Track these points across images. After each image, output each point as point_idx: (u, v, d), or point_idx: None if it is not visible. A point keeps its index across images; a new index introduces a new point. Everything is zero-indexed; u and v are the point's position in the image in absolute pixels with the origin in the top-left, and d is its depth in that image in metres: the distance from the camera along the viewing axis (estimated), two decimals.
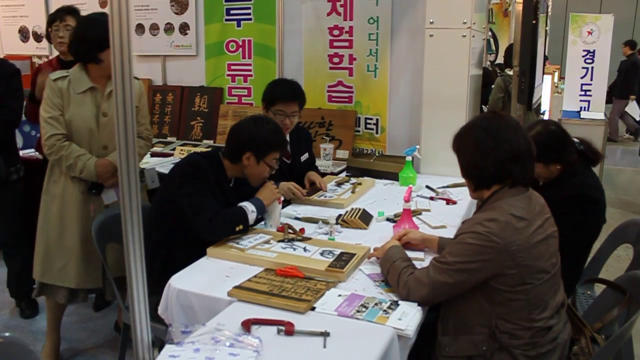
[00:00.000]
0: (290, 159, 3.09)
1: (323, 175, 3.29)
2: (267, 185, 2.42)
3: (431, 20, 3.35)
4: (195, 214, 2.20)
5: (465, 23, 3.28)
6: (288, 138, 3.06)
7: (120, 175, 1.33)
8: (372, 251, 2.15)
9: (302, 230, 2.39)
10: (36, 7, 5.12)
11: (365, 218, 2.55)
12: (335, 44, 3.99)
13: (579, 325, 1.91)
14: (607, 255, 2.62)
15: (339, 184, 3.14)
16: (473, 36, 3.32)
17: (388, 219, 2.60)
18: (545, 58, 11.39)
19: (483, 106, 4.91)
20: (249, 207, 2.30)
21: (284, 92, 2.93)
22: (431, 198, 2.95)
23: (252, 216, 2.30)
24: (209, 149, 2.65)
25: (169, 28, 4.58)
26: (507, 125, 1.78)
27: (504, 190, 1.75)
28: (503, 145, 1.74)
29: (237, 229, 2.24)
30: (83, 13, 4.83)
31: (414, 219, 2.46)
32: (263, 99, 2.98)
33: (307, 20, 4.06)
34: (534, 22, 3.48)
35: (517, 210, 1.69)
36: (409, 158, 3.20)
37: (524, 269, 1.65)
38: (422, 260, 2.07)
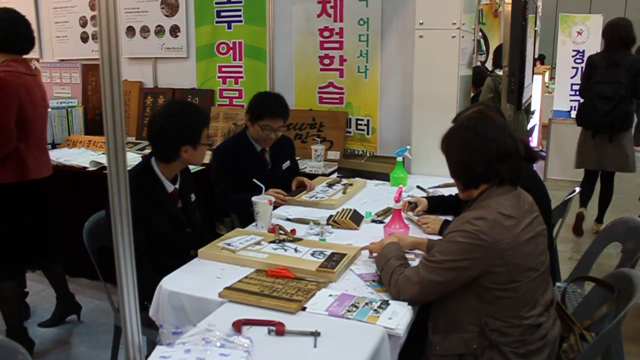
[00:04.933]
0: (269, 166, 3.09)
1: (313, 177, 3.30)
2: None
3: (421, 21, 3.36)
4: None
5: (454, 24, 3.29)
6: (267, 148, 3.07)
7: (109, 178, 1.33)
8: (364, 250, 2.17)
9: (293, 231, 2.39)
10: (25, 10, 5.05)
11: (356, 218, 2.56)
12: (326, 45, 4.01)
13: (569, 322, 1.92)
14: (597, 253, 2.64)
15: (330, 185, 3.14)
16: (462, 37, 3.34)
17: (373, 221, 2.61)
18: (542, 57, 11.45)
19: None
20: None
21: (271, 107, 2.93)
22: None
23: None
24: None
25: (159, 30, 4.58)
26: (493, 125, 1.80)
27: (492, 189, 1.76)
28: (490, 145, 1.75)
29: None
30: (74, 15, 4.89)
31: (404, 219, 2.47)
32: (248, 112, 2.98)
33: (297, 22, 4.07)
34: (522, 22, 3.50)
35: (505, 209, 1.70)
36: (399, 159, 3.22)
37: (513, 267, 1.66)
38: (412, 260, 2.08)
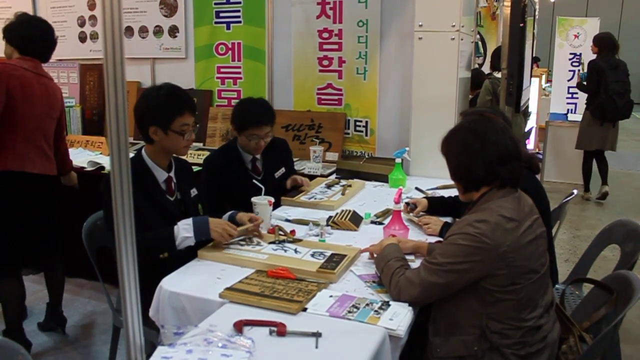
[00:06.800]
0: (261, 175, 2.96)
1: (311, 178, 3.29)
2: (220, 222, 2.21)
3: (420, 23, 3.37)
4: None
5: (453, 26, 3.30)
6: (259, 155, 2.95)
7: (112, 178, 1.33)
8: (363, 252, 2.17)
9: (292, 232, 2.39)
10: (23, 9, 5.05)
11: (355, 220, 2.56)
12: (325, 46, 4.01)
13: (568, 324, 1.93)
14: (595, 255, 2.66)
15: (329, 186, 3.15)
16: (462, 39, 3.34)
17: (372, 222, 2.61)
18: (537, 59, 11.54)
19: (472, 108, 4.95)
20: (184, 232, 2.13)
21: (254, 116, 2.81)
22: None
23: (185, 241, 2.13)
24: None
25: (158, 31, 4.57)
26: (494, 127, 1.80)
27: (493, 192, 1.77)
28: (490, 147, 1.76)
29: (162, 256, 2.11)
30: (72, 15, 4.89)
31: (404, 220, 2.47)
32: (232, 122, 2.87)
33: (296, 23, 4.07)
34: (521, 25, 3.52)
35: (506, 212, 1.71)
36: (398, 160, 3.22)
37: (514, 270, 1.67)
38: (412, 261, 2.08)
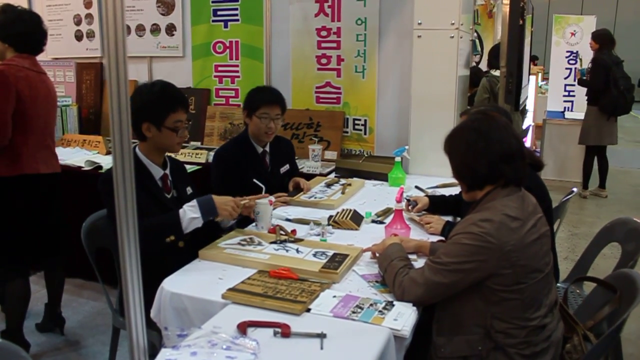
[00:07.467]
0: (269, 169, 3.02)
1: (310, 177, 3.28)
2: (227, 200, 2.22)
3: (419, 21, 3.36)
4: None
5: (453, 24, 3.29)
6: (268, 148, 3.01)
7: (115, 178, 1.31)
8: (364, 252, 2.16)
9: (293, 231, 2.38)
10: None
11: (356, 219, 2.55)
12: (323, 44, 3.99)
13: (572, 323, 1.92)
14: (596, 253, 2.66)
15: (328, 185, 3.13)
16: (461, 37, 3.33)
17: (373, 221, 2.60)
18: (535, 58, 11.55)
19: (469, 107, 4.94)
20: (190, 213, 2.13)
21: (266, 95, 2.92)
22: None
23: (193, 223, 2.13)
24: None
25: (155, 29, 4.54)
26: (497, 125, 1.79)
27: (497, 191, 1.76)
28: (494, 146, 1.75)
29: (168, 240, 2.10)
30: (68, 13, 4.85)
31: (406, 219, 2.46)
32: (245, 107, 2.93)
33: (294, 21, 4.05)
34: (520, 23, 3.51)
35: (511, 210, 1.70)
36: (398, 159, 3.20)
37: (518, 269, 1.66)
38: (414, 260, 2.07)
